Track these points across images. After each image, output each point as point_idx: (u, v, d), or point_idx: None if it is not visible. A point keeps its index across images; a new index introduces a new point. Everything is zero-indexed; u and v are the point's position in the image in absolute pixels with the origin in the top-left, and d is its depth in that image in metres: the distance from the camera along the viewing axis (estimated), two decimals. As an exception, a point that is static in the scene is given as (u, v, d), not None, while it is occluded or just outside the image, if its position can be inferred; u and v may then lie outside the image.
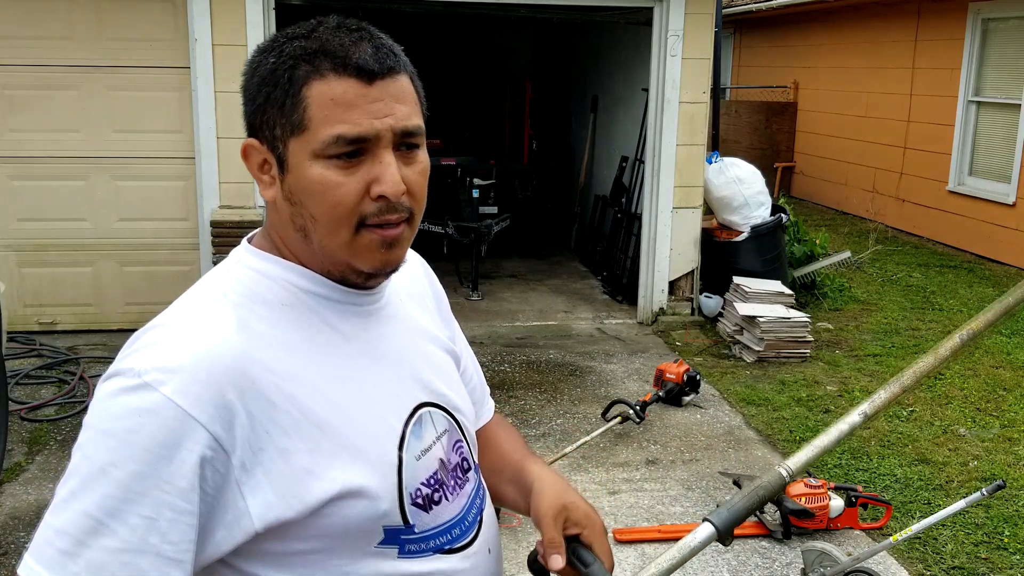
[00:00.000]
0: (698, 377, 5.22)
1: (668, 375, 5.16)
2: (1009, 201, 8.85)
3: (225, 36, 5.96)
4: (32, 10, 5.86)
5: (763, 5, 13.07)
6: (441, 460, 1.16)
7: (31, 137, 6.00)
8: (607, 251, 8.07)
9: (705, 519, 1.30)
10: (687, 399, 5.21)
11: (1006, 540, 3.86)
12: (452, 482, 1.18)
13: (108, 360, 5.72)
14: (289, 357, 1.04)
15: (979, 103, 9.51)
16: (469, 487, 1.21)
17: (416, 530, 1.11)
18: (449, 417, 1.20)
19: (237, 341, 1.01)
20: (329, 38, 1.04)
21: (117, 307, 6.29)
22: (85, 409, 5.02)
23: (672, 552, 1.25)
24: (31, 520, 3.87)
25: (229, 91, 5.97)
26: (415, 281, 1.31)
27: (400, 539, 1.09)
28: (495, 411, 1.46)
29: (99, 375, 5.46)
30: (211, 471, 0.96)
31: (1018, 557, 3.74)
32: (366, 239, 1.05)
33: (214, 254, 6.09)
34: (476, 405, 1.36)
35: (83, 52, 5.94)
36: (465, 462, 1.22)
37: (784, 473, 1.36)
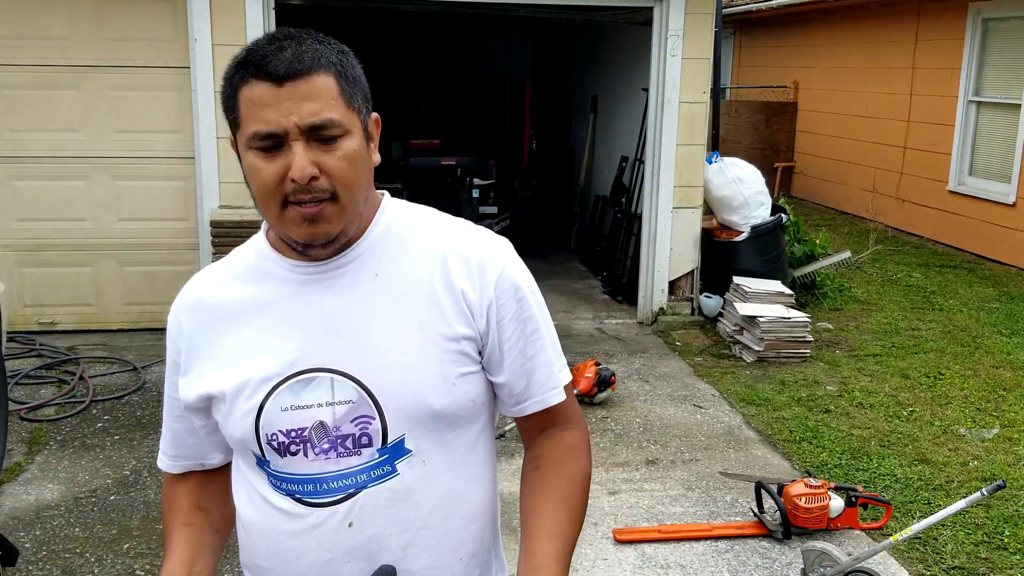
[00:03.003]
0: (611, 377, 5.22)
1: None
2: (1009, 201, 8.85)
3: (225, 36, 5.96)
4: (32, 10, 5.86)
5: (763, 5, 13.07)
6: (322, 423, 1.30)
7: (31, 137, 6.00)
8: (607, 251, 8.07)
9: None
10: (602, 395, 5.20)
11: (1006, 540, 3.86)
12: (326, 445, 1.30)
13: (108, 360, 5.72)
14: (227, 304, 1.36)
15: (979, 103, 9.51)
16: (353, 460, 1.30)
17: (270, 467, 1.34)
18: (363, 392, 1.30)
19: (200, 286, 1.41)
20: (255, 48, 1.25)
21: (117, 307, 6.29)
22: (85, 409, 5.04)
23: None
24: (31, 520, 3.88)
25: (229, 91, 5.97)
26: (434, 274, 1.34)
27: (264, 468, 1.35)
28: (577, 432, 1.45)
29: (99, 375, 5.47)
30: (175, 354, 1.43)
31: (1018, 557, 3.74)
32: (291, 214, 1.25)
33: (214, 254, 6.09)
34: (517, 396, 1.40)
35: (83, 52, 5.94)
36: (365, 438, 1.30)
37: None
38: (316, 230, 1.26)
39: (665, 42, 6.51)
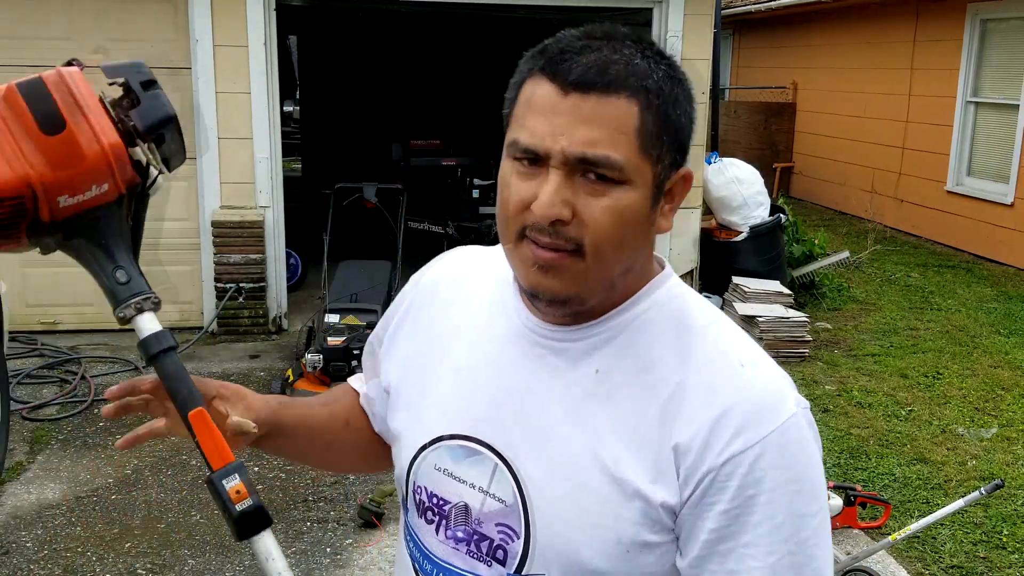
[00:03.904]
0: None
1: None
2: (1007, 201, 8.87)
3: (226, 36, 5.97)
4: (32, 10, 5.87)
5: (762, 6, 13.09)
6: (467, 506, 1.07)
7: (32, 137, 6.00)
8: (607, 251, 8.06)
9: None
10: None
11: (1004, 539, 3.87)
12: (460, 534, 1.08)
13: (109, 360, 5.73)
14: (462, 310, 1.17)
15: (977, 103, 9.52)
16: (481, 570, 1.07)
17: (409, 517, 1.16)
18: (520, 502, 1.04)
19: (446, 272, 1.23)
20: (561, 39, 1.00)
21: (118, 307, 6.29)
22: (87, 409, 5.04)
23: None
24: (32, 520, 3.89)
25: (230, 91, 5.98)
26: (663, 408, 1.00)
27: (405, 512, 1.18)
28: None
29: (100, 375, 5.48)
30: (395, 314, 1.28)
31: (1016, 556, 3.75)
32: (524, 251, 1.00)
33: (215, 254, 6.10)
34: None
35: (83, 52, 5.93)
36: (501, 552, 1.05)
37: None
38: (543, 282, 0.99)
39: (664, 43, 6.52)
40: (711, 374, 0.99)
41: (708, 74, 6.66)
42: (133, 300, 1.07)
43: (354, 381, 1.35)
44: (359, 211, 6.87)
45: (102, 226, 1.07)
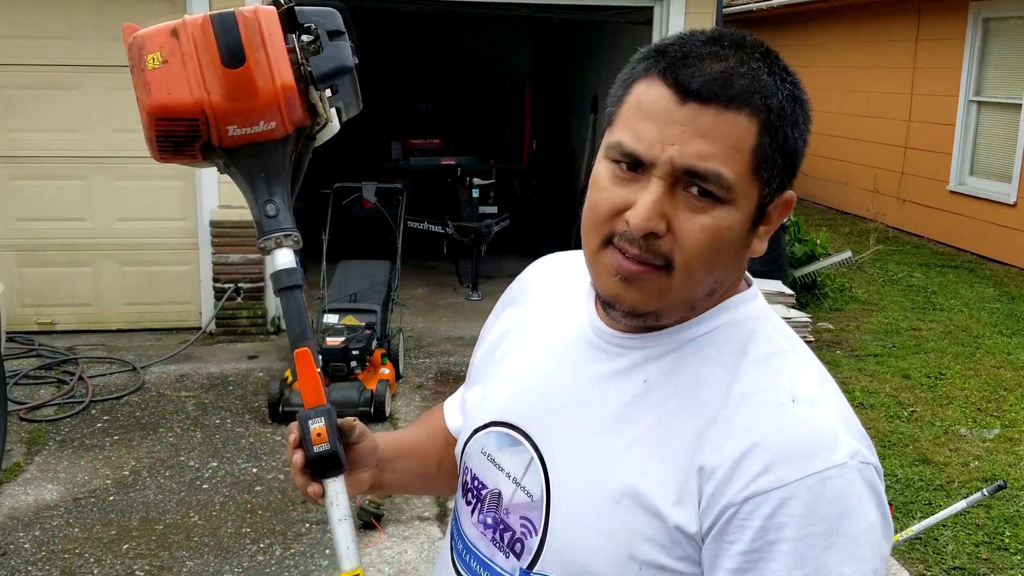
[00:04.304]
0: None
1: None
2: (1010, 201, 8.84)
3: (225, 36, 5.95)
4: (31, 10, 5.85)
5: (763, 5, 13.07)
6: (500, 494, 1.08)
7: (31, 137, 5.99)
8: (607, 251, 8.04)
9: None
10: None
11: (1007, 540, 3.85)
12: (489, 520, 1.09)
13: (107, 360, 5.72)
14: (541, 308, 1.18)
15: (980, 103, 9.50)
16: (499, 559, 1.07)
17: (456, 493, 1.18)
18: (545, 500, 1.02)
19: (541, 273, 1.24)
20: (685, 41, 0.95)
21: (116, 307, 6.28)
22: (84, 409, 5.03)
23: None
24: (30, 520, 3.87)
25: (229, 91, 5.96)
26: (701, 430, 0.95)
27: (459, 484, 1.19)
28: None
29: (98, 375, 5.46)
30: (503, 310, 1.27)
31: (1019, 558, 3.73)
32: (607, 258, 0.96)
33: (214, 254, 6.09)
34: None
35: (83, 52, 5.93)
36: (519, 545, 1.04)
37: None
38: (624, 293, 0.96)
39: (665, 42, 6.50)
40: (756, 405, 0.93)
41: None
42: (274, 234, 1.12)
43: (449, 407, 1.35)
44: (358, 211, 6.85)
45: (264, 159, 1.12)
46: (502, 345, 1.20)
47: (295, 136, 1.12)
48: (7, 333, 5.25)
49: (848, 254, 7.85)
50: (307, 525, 3.88)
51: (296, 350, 1.10)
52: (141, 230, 6.20)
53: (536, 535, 1.02)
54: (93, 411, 5.00)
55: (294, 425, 1.10)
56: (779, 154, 0.93)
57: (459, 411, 1.28)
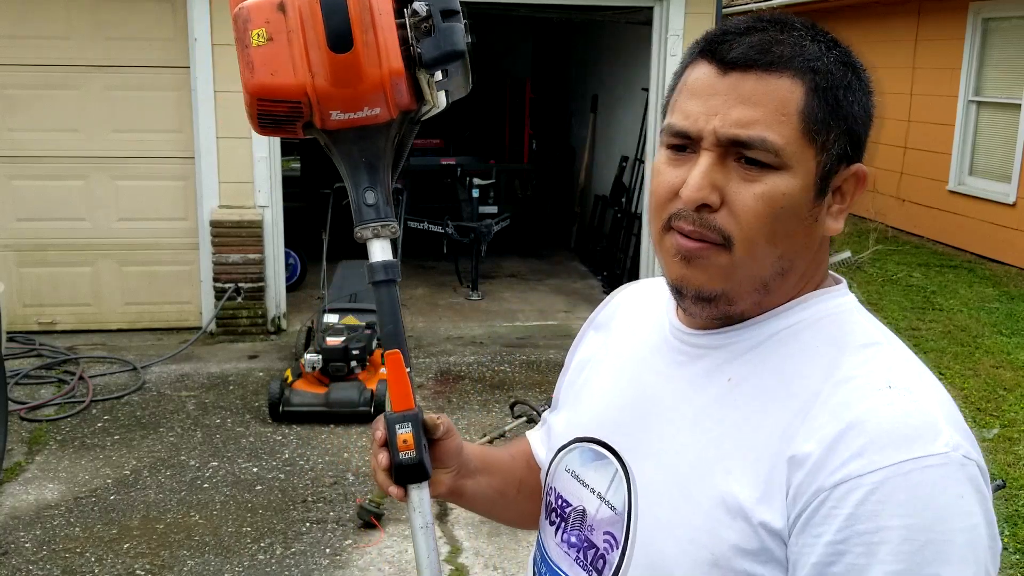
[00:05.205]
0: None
1: None
2: (1009, 201, 8.85)
3: (225, 36, 5.95)
4: (31, 10, 5.86)
5: (763, 5, 13.07)
6: (584, 511, 1.05)
7: (30, 137, 5.99)
8: (607, 251, 8.07)
9: None
10: None
11: (1006, 540, 3.86)
12: (573, 539, 1.06)
13: (107, 360, 5.72)
14: (624, 329, 1.16)
15: (979, 103, 9.50)
16: (576, 573, 1.05)
17: (541, 515, 1.15)
18: (628, 512, 0.99)
19: (626, 297, 1.22)
20: (728, 25, 0.94)
21: (116, 307, 6.28)
22: (85, 409, 5.03)
23: None
24: (31, 520, 3.87)
25: (229, 91, 5.96)
26: (790, 422, 0.89)
27: (544, 506, 1.16)
28: None
29: (98, 375, 5.46)
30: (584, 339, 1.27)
31: (1017, 556, 3.74)
32: (669, 242, 0.94)
33: (213, 254, 6.09)
34: None
35: (82, 52, 5.94)
36: (601, 561, 1.01)
37: None
38: (686, 274, 0.93)
39: (665, 42, 6.50)
40: (850, 390, 0.87)
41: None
42: (372, 224, 1.09)
43: (532, 435, 1.32)
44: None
45: (366, 144, 1.09)
46: (586, 370, 1.18)
47: (399, 120, 1.08)
48: (7, 333, 5.26)
49: (848, 254, 7.86)
50: (307, 524, 3.88)
51: (387, 352, 1.09)
52: (141, 230, 6.20)
53: (617, 548, 0.99)
54: (94, 411, 5.01)
55: (380, 422, 1.08)
56: (832, 118, 0.90)
57: (545, 436, 1.25)
